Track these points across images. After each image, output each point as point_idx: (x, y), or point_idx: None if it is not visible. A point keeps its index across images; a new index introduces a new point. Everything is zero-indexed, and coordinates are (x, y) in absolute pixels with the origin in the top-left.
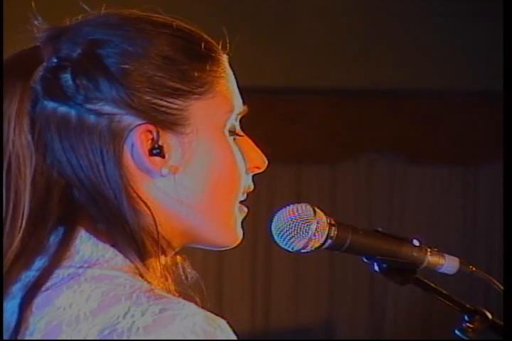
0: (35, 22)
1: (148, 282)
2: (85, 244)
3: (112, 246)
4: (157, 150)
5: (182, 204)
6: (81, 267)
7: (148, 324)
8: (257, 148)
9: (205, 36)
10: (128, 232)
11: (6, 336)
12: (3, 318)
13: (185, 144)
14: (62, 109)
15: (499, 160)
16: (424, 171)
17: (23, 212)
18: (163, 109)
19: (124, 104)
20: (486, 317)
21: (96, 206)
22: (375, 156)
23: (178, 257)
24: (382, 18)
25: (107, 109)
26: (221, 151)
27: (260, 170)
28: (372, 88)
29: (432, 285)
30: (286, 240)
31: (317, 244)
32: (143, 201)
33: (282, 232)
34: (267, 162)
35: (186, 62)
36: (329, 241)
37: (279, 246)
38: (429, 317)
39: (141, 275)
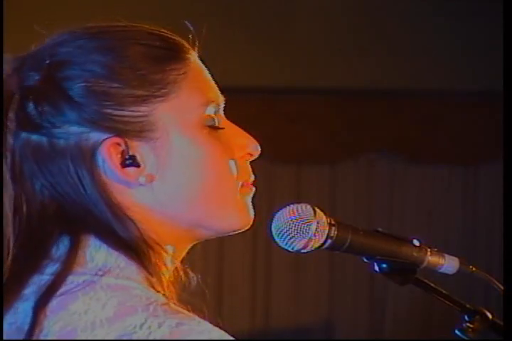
0: (5, 54)
1: (163, 294)
2: (98, 252)
3: (124, 254)
4: (130, 161)
5: (171, 207)
6: (96, 275)
7: (164, 336)
8: (246, 135)
9: (166, 35)
10: (125, 243)
11: (19, 336)
12: (17, 318)
13: (158, 149)
14: (34, 137)
15: (499, 160)
16: (424, 171)
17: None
18: (126, 119)
19: (87, 122)
20: (486, 317)
21: (90, 221)
22: (375, 156)
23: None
24: (382, 18)
25: (73, 130)
26: (197, 148)
27: (254, 157)
28: (372, 88)
29: (432, 285)
30: (287, 240)
31: (317, 244)
32: (124, 211)
33: (282, 232)
34: (259, 147)
35: (144, 66)
36: (329, 241)
37: (279, 246)
38: (429, 317)
39: (153, 286)
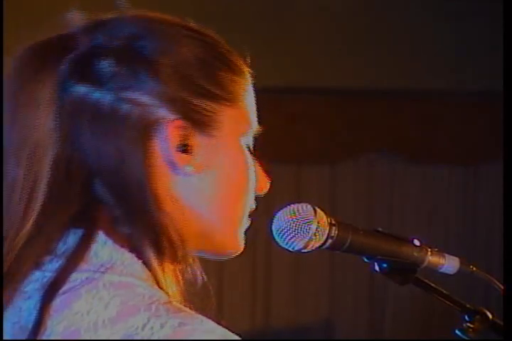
0: (70, 10)
1: (166, 292)
2: (103, 247)
3: (130, 250)
4: (185, 148)
5: (201, 204)
6: (98, 271)
7: (167, 336)
8: (262, 171)
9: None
10: (149, 230)
11: (23, 336)
12: (21, 317)
13: (211, 147)
14: (95, 95)
15: (499, 160)
16: (424, 171)
17: (37, 200)
18: (197, 108)
19: (160, 96)
20: (487, 317)
21: (118, 199)
22: (375, 156)
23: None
24: (382, 18)
25: (142, 99)
26: (241, 160)
27: (262, 193)
28: (372, 88)
29: (432, 285)
30: (287, 240)
31: (318, 244)
32: (164, 196)
33: (283, 232)
34: (269, 186)
35: (222, 68)
36: (330, 240)
37: (280, 246)
38: (429, 317)
39: (158, 284)
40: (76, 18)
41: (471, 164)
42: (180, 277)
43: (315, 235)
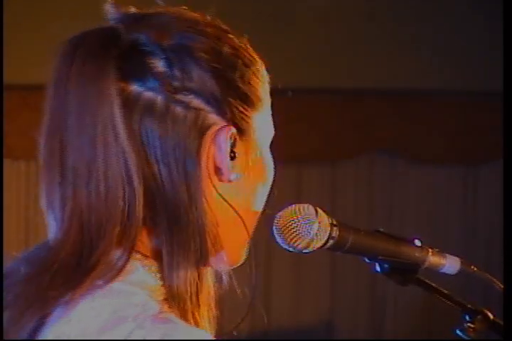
0: (107, 4)
1: (165, 300)
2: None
3: (144, 255)
4: (233, 154)
5: (232, 212)
6: (107, 278)
7: None
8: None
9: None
10: (188, 234)
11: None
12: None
13: (249, 154)
14: (149, 93)
15: (499, 160)
16: (424, 171)
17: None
18: (241, 115)
19: (213, 100)
20: (487, 317)
21: (162, 201)
22: (375, 156)
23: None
24: (382, 18)
25: (196, 102)
26: (267, 168)
27: None
28: (372, 88)
29: (433, 285)
30: (288, 240)
31: (319, 245)
32: (224, 200)
33: (284, 232)
34: None
35: (254, 71)
36: (331, 241)
37: (281, 247)
38: (429, 317)
39: (167, 290)
40: (111, 11)
41: (471, 164)
42: (209, 284)
43: (316, 236)
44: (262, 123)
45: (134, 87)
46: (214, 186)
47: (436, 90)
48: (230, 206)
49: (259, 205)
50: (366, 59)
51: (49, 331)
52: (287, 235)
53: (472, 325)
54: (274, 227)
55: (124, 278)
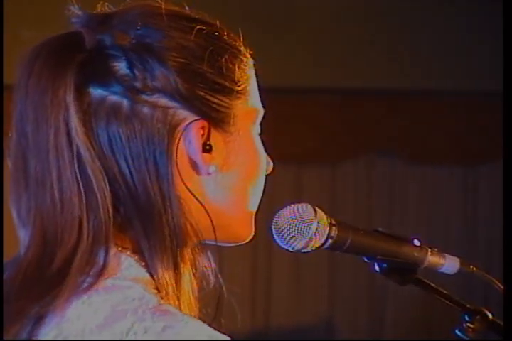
0: (71, 7)
1: (159, 292)
2: (103, 250)
3: (132, 253)
4: (207, 147)
5: (221, 199)
6: (94, 276)
7: None
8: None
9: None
10: (163, 231)
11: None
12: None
13: (229, 143)
14: (114, 97)
15: (499, 160)
16: (424, 171)
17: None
18: (214, 105)
19: (180, 97)
20: (487, 317)
21: (135, 201)
22: (375, 156)
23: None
24: (382, 18)
25: (162, 101)
26: (255, 152)
27: (267, 173)
28: (372, 88)
29: (433, 285)
30: (287, 240)
31: (318, 244)
32: (195, 197)
33: (283, 232)
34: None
35: (228, 57)
36: (330, 241)
37: (280, 246)
38: (429, 317)
39: (159, 286)
40: (78, 14)
41: (471, 164)
42: (193, 278)
43: (315, 235)
44: (246, 108)
45: (98, 92)
46: (184, 183)
47: (437, 90)
48: (194, 197)
49: (251, 196)
50: (366, 59)
51: (49, 330)
52: (286, 235)
53: (471, 325)
54: (272, 227)
55: (117, 274)
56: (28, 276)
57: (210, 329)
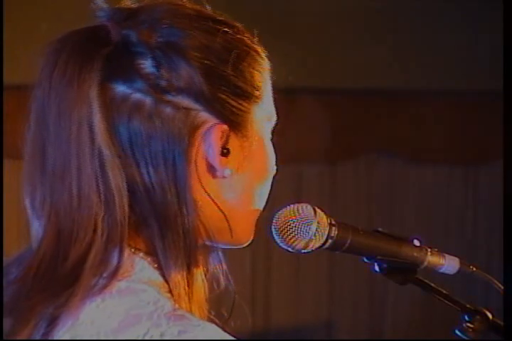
0: (96, 0)
1: (172, 295)
2: (117, 252)
3: (146, 255)
4: (225, 151)
5: (232, 202)
6: (108, 277)
7: None
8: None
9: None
10: (177, 233)
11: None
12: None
13: (245, 148)
14: (137, 95)
15: (499, 160)
16: (424, 171)
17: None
18: (234, 109)
19: (203, 99)
20: (487, 317)
21: (151, 201)
22: (375, 156)
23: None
24: (382, 18)
25: (185, 102)
26: (267, 158)
27: None
28: (372, 88)
29: (432, 285)
30: (287, 240)
31: (318, 244)
32: (212, 200)
33: (283, 232)
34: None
35: (251, 63)
36: (330, 241)
37: (280, 246)
38: (429, 317)
39: (172, 289)
40: (101, 7)
41: (471, 164)
42: (205, 279)
43: (315, 235)
44: (262, 113)
45: (122, 89)
46: (202, 185)
47: (437, 90)
48: (212, 200)
49: (258, 198)
50: (366, 59)
51: (63, 333)
52: (286, 235)
53: (471, 325)
54: (272, 227)
55: (131, 276)
56: (41, 273)
57: (225, 334)
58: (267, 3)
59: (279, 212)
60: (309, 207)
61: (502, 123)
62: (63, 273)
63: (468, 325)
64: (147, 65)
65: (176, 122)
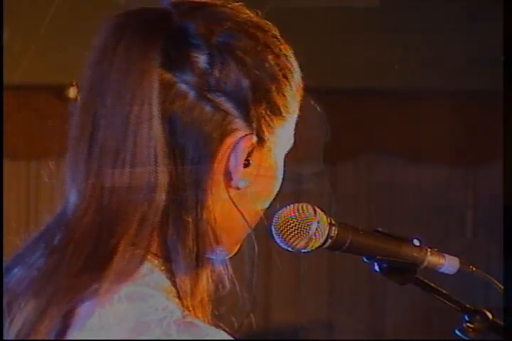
0: None
1: (180, 299)
2: (133, 257)
3: (155, 255)
4: (247, 162)
5: (234, 216)
6: (115, 281)
7: None
8: None
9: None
10: (191, 234)
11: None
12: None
13: (263, 163)
14: (182, 86)
15: (499, 160)
16: (424, 171)
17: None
18: (267, 125)
19: (243, 107)
20: (487, 317)
21: (172, 199)
22: (375, 156)
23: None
24: (382, 18)
25: (226, 105)
26: (278, 178)
27: None
28: (372, 88)
29: (432, 285)
30: (287, 240)
31: (317, 244)
32: (235, 205)
33: (283, 232)
34: None
35: (290, 82)
36: (329, 240)
37: (280, 246)
38: (429, 317)
39: (177, 290)
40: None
41: (471, 164)
42: (210, 281)
43: (315, 235)
44: (284, 133)
45: (170, 76)
46: (226, 190)
47: (436, 90)
48: (241, 214)
49: (255, 215)
50: (366, 59)
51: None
52: (286, 235)
53: (471, 325)
54: (272, 227)
55: (138, 280)
56: (81, 246)
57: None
58: (266, 2)
59: (279, 212)
60: (309, 206)
61: (502, 123)
62: (92, 263)
63: (468, 325)
64: (202, 59)
65: (211, 122)
